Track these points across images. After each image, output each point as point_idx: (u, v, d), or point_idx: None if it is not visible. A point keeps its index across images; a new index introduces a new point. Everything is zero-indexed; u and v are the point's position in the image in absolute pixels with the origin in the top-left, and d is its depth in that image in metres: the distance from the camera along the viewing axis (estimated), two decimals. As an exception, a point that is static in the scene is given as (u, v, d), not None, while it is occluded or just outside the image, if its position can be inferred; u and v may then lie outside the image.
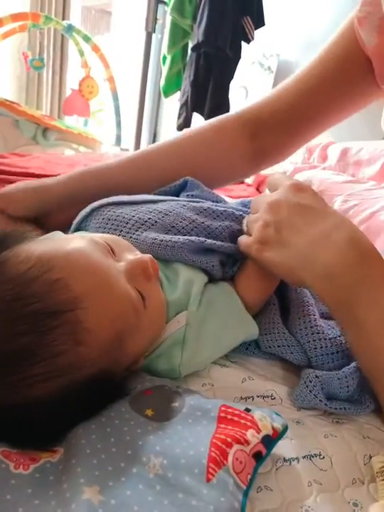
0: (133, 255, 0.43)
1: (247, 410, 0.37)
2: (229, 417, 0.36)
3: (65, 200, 0.59)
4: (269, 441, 0.35)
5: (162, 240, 0.48)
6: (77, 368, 0.34)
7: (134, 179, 0.60)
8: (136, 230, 0.50)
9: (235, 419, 0.36)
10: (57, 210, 0.59)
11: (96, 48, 2.27)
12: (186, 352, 0.43)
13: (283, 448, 0.38)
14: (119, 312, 0.37)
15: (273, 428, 0.36)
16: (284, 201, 0.45)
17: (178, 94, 2.63)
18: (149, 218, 0.51)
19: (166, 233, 0.50)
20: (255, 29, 2.53)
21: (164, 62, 2.65)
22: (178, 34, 2.59)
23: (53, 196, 0.59)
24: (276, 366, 0.51)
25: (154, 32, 2.65)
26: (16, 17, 2.03)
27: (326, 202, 0.47)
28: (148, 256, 0.43)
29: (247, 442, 0.33)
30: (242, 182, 1.39)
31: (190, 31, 2.59)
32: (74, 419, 0.34)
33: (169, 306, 0.45)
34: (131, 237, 0.49)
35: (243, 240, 0.49)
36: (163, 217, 0.51)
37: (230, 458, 0.31)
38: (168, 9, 2.51)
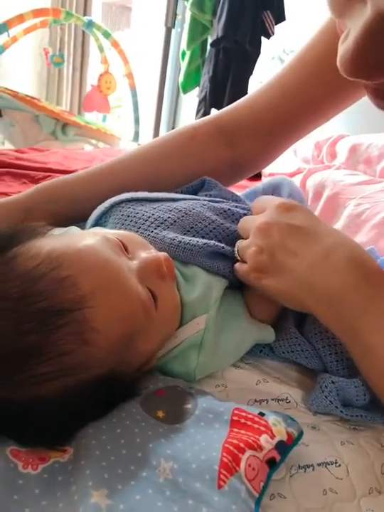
0: (147, 253, 0.42)
1: (261, 414, 0.36)
2: (242, 421, 0.35)
3: (32, 212, 0.58)
4: (284, 447, 0.34)
5: (180, 242, 0.47)
6: (84, 367, 0.33)
7: (93, 192, 0.58)
8: (155, 229, 0.49)
9: (249, 423, 0.35)
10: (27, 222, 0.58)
11: (115, 44, 2.28)
12: (203, 356, 0.43)
13: (298, 454, 0.37)
14: (128, 312, 0.36)
15: (288, 433, 0.35)
16: (273, 223, 0.43)
17: (196, 90, 2.62)
18: (169, 217, 0.50)
19: (185, 234, 0.49)
20: (275, 24, 2.49)
21: (183, 58, 2.64)
22: (197, 29, 2.58)
23: (20, 209, 0.57)
24: (291, 369, 0.50)
25: (174, 27, 2.64)
26: (37, 13, 2.05)
27: (318, 219, 0.45)
28: (163, 254, 0.43)
29: (261, 448, 0.32)
30: (259, 178, 1.37)
31: (210, 26, 2.57)
32: (83, 419, 0.33)
33: (186, 306, 0.44)
34: (149, 235, 0.48)
35: (240, 267, 0.46)
36: (182, 216, 0.50)
37: (243, 464, 0.31)
38: (188, 4, 2.50)
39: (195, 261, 0.47)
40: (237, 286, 0.50)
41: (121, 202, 0.54)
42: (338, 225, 0.85)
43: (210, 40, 2.55)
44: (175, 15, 2.61)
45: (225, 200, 0.56)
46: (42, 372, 0.31)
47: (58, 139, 2.14)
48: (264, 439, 0.33)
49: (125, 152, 0.65)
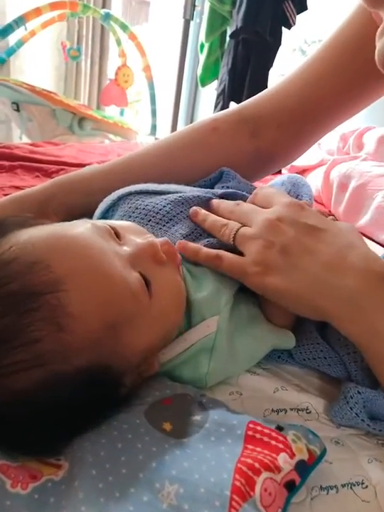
0: (143, 239, 0.38)
1: (279, 429, 0.32)
2: (258, 436, 0.31)
3: (46, 207, 0.55)
4: (305, 467, 0.30)
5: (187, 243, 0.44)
6: (61, 357, 0.30)
7: (109, 186, 0.54)
8: (166, 223, 0.46)
9: (265, 439, 0.31)
10: (41, 216, 0.56)
11: (133, 36, 2.25)
12: (215, 361, 0.39)
13: (320, 474, 0.33)
14: (110, 297, 0.32)
15: (309, 452, 0.31)
16: (288, 220, 0.40)
17: (215, 83, 2.57)
18: (181, 211, 0.47)
19: (195, 229, 0.46)
20: (297, 14, 2.42)
21: (202, 50, 2.59)
22: (216, 21, 2.53)
23: (35, 202, 0.55)
24: (313, 376, 0.46)
25: (192, 19, 2.59)
26: (54, 5, 2.03)
27: (328, 219, 0.43)
28: (161, 239, 0.39)
29: (279, 469, 0.29)
30: (280, 172, 1.32)
31: (229, 18, 2.52)
32: (73, 422, 0.30)
33: (193, 305, 0.40)
34: (160, 228, 0.45)
35: (234, 259, 0.41)
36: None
37: (258, 488, 0.27)
38: (207, -5, 2.45)
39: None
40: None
41: (129, 194, 0.50)
42: (366, 217, 0.81)
43: (229, 32, 2.50)
44: (193, 6, 2.56)
45: (239, 193, 0.52)
46: (13, 361, 0.28)
47: (75, 133, 2.12)
48: (282, 459, 0.29)
49: (144, 146, 0.62)
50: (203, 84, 2.64)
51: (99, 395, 0.31)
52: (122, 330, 0.33)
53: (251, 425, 0.32)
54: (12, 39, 2.22)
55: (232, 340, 0.40)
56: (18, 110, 2.02)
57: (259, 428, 0.32)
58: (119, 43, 2.34)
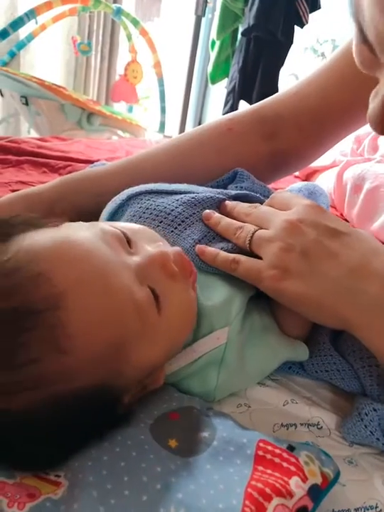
0: (154, 247, 0.36)
1: (290, 449, 0.30)
2: (268, 457, 0.29)
3: (56, 204, 0.54)
4: (318, 492, 0.28)
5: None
6: (60, 378, 0.28)
7: (119, 186, 0.51)
8: (178, 225, 0.44)
9: (276, 460, 0.29)
10: (49, 215, 0.55)
11: (144, 32, 2.22)
12: (224, 374, 0.37)
13: (332, 497, 0.31)
14: (114, 316, 0.30)
15: (322, 475, 0.29)
16: (309, 222, 0.38)
17: (225, 81, 2.55)
18: (193, 213, 0.45)
19: (205, 236, 0.44)
20: (310, 13, 2.39)
21: (213, 48, 2.57)
22: (228, 18, 2.50)
23: (43, 201, 0.54)
24: (325, 389, 0.44)
25: (204, 16, 2.57)
26: (65, -1, 2.01)
27: (348, 224, 0.41)
28: (174, 249, 0.36)
29: (291, 495, 0.27)
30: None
31: (241, 15, 2.49)
32: (74, 441, 0.29)
33: (203, 313, 0.38)
34: (172, 231, 0.43)
35: (250, 263, 0.39)
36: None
37: (269, 516, 0.25)
38: (220, -9, 2.42)
39: (214, 270, 0.41)
40: (265, 297, 0.44)
41: (140, 194, 0.48)
42: (380, 219, 0.78)
43: (241, 29, 2.47)
44: (205, 3, 2.54)
45: (254, 195, 0.50)
46: (10, 381, 0.27)
47: (83, 128, 2.10)
48: (294, 483, 0.28)
49: (157, 145, 0.60)
50: (213, 82, 2.61)
51: (96, 414, 0.30)
52: (127, 349, 0.31)
53: (261, 444, 0.30)
54: (23, 33, 2.21)
55: (243, 353, 0.39)
56: (26, 104, 2.01)
57: (269, 448, 0.30)
58: (129, 38, 2.32)
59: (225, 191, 0.50)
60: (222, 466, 0.29)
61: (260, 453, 0.30)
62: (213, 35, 2.53)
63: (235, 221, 0.43)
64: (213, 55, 2.59)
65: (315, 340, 0.43)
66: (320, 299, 0.36)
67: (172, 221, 0.44)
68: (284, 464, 0.29)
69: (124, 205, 0.48)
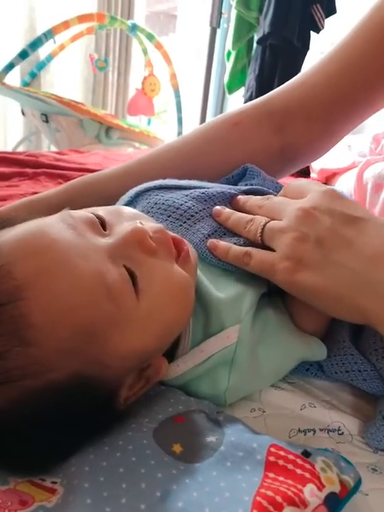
0: (130, 224, 0.33)
1: (306, 454, 0.28)
2: (281, 462, 0.27)
3: (60, 210, 0.53)
4: (336, 501, 0.26)
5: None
6: (29, 373, 0.26)
7: (126, 187, 0.50)
8: (187, 219, 0.42)
9: (289, 466, 0.27)
10: None
11: (159, 46, 2.25)
12: (235, 376, 0.35)
13: (353, 507, 0.29)
14: (79, 300, 0.28)
15: (341, 482, 0.27)
16: (324, 209, 0.35)
17: (242, 91, 2.55)
18: (203, 208, 0.43)
19: (216, 231, 0.42)
20: (326, 18, 2.38)
21: (228, 58, 2.58)
22: (243, 28, 2.52)
23: (51, 206, 0.52)
24: (346, 391, 0.41)
25: (219, 27, 2.59)
26: (82, 18, 2.06)
27: (367, 210, 0.38)
28: (154, 225, 0.34)
29: (305, 504, 0.24)
30: (308, 175, 1.28)
31: (256, 24, 2.50)
32: (67, 440, 0.28)
33: (212, 308, 0.36)
34: (180, 225, 0.42)
35: (263, 255, 0.37)
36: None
37: (279, 527, 0.23)
38: (234, 2, 2.44)
39: (225, 265, 0.39)
40: (279, 292, 0.42)
41: (148, 190, 0.47)
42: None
43: (256, 38, 2.48)
44: (220, 14, 2.56)
45: (265, 189, 0.48)
46: None
47: (102, 142, 2.13)
48: (309, 491, 0.25)
49: (162, 145, 0.60)
50: (230, 92, 2.62)
51: (89, 409, 0.28)
52: (103, 335, 0.29)
53: (273, 449, 0.28)
54: (42, 53, 2.27)
55: (256, 352, 0.36)
56: (47, 121, 2.05)
57: (282, 453, 0.28)
58: (145, 52, 2.35)
59: (236, 187, 0.49)
60: (230, 473, 0.26)
61: (272, 459, 0.27)
62: (229, 45, 2.55)
63: (246, 215, 0.41)
64: (229, 65, 2.60)
65: (334, 339, 0.40)
66: (337, 291, 0.34)
67: (181, 215, 0.42)
68: (298, 471, 0.26)
69: (132, 201, 0.48)
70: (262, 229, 0.38)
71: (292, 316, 0.40)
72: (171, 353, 0.36)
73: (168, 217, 0.42)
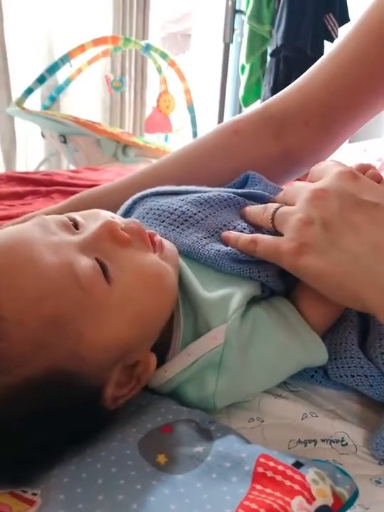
0: (102, 219, 0.34)
1: (297, 465, 0.26)
2: (269, 474, 0.26)
3: None
4: (328, 515, 0.24)
5: (205, 244, 0.40)
6: (3, 369, 0.26)
7: (128, 198, 0.50)
8: (181, 224, 0.42)
9: (278, 478, 0.25)
10: None
11: (172, 63, 2.30)
12: (224, 378, 0.34)
13: (353, 523, 0.27)
14: (46, 291, 0.28)
15: (335, 495, 0.25)
16: (334, 191, 0.34)
17: (258, 104, 2.56)
18: (198, 212, 0.43)
19: (212, 235, 0.42)
20: (339, 26, 2.37)
21: (243, 72, 2.61)
22: (256, 42, 2.54)
23: None
24: (352, 400, 0.39)
25: (232, 42, 2.62)
26: (97, 41, 2.12)
27: None
28: (127, 219, 0.35)
29: (291, 517, 0.23)
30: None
31: (269, 37, 2.52)
32: (51, 442, 0.27)
33: (200, 307, 0.35)
34: (173, 229, 0.42)
35: (269, 240, 0.36)
36: (214, 213, 0.43)
37: (261, 542, 0.21)
38: (246, 18, 2.47)
39: (221, 266, 0.38)
40: (278, 293, 0.40)
41: (145, 196, 0.47)
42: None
43: (269, 51, 2.49)
44: (232, 30, 2.59)
45: (266, 194, 0.47)
46: None
47: (119, 160, 2.17)
48: (297, 504, 0.24)
49: (163, 156, 0.60)
50: (246, 105, 2.64)
51: (72, 408, 0.28)
52: (75, 325, 0.28)
53: (262, 460, 0.26)
54: (61, 77, 2.35)
55: (246, 353, 0.35)
56: (65, 142, 2.11)
57: (271, 464, 0.26)
58: (160, 71, 2.40)
59: (232, 190, 0.48)
60: (215, 484, 0.25)
61: (260, 470, 0.26)
62: (242, 59, 2.57)
63: (260, 205, 0.41)
64: (244, 78, 2.62)
65: (341, 341, 0.39)
66: (339, 277, 0.33)
67: (174, 220, 0.42)
68: (287, 482, 0.25)
69: (131, 209, 0.48)
70: (273, 214, 0.38)
71: (300, 310, 0.38)
72: (163, 358, 0.35)
73: (162, 222, 0.42)
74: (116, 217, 0.36)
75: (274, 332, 0.36)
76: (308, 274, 0.34)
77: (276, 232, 0.37)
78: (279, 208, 0.38)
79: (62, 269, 0.29)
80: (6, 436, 0.27)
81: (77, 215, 0.35)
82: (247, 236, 0.38)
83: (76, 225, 0.33)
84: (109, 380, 0.31)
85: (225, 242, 0.39)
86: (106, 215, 0.35)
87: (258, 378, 0.36)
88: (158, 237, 0.36)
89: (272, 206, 0.38)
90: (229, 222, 0.42)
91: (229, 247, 0.39)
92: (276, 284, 0.39)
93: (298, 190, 0.38)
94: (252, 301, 0.37)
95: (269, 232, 0.39)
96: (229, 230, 0.41)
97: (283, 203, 0.39)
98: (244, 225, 0.42)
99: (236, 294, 0.36)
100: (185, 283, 0.37)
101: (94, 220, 0.34)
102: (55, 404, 0.28)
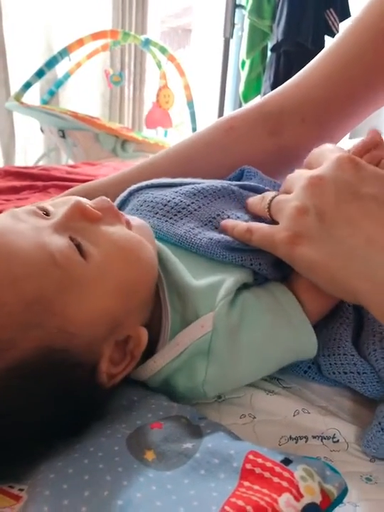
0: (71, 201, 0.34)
1: (286, 462, 0.26)
2: (257, 470, 0.25)
3: None
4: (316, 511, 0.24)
5: (198, 233, 0.39)
6: None
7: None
8: (174, 215, 0.42)
9: (266, 475, 0.25)
10: None
11: (172, 58, 2.28)
12: (213, 366, 0.34)
13: (342, 520, 0.27)
14: (22, 272, 0.28)
15: (323, 492, 0.25)
16: (330, 179, 0.33)
17: (258, 99, 2.54)
18: (192, 202, 0.43)
19: (205, 224, 0.41)
20: (340, 21, 2.36)
21: (243, 67, 2.59)
22: (256, 37, 2.52)
23: None
24: (344, 397, 0.39)
25: (232, 38, 2.61)
26: (95, 36, 2.11)
27: None
28: (97, 199, 0.35)
29: (278, 514, 0.23)
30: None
31: (270, 32, 2.50)
32: (50, 423, 0.28)
33: (187, 296, 0.35)
34: (166, 221, 0.41)
35: (264, 229, 0.36)
36: (208, 203, 0.43)
37: (246, 540, 0.21)
38: (246, 12, 2.45)
39: (214, 255, 0.38)
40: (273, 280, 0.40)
41: (140, 189, 0.47)
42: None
43: (270, 46, 2.48)
44: (233, 25, 2.57)
45: (261, 187, 0.47)
46: None
47: (118, 155, 2.16)
48: (285, 501, 0.23)
49: (162, 150, 0.60)
50: (246, 100, 2.63)
51: (68, 387, 0.28)
52: (58, 302, 0.29)
53: (251, 456, 0.26)
54: (60, 72, 2.34)
55: (235, 339, 0.34)
56: (64, 137, 2.10)
57: (260, 460, 0.26)
58: (159, 65, 2.38)
59: (228, 181, 0.48)
60: (202, 481, 0.25)
61: (248, 466, 0.26)
62: (243, 55, 2.56)
63: (260, 195, 0.41)
64: (244, 74, 2.61)
65: (334, 335, 0.38)
66: (333, 270, 0.32)
67: (168, 212, 0.42)
68: (275, 479, 0.25)
69: (126, 201, 0.48)
70: (269, 203, 0.37)
71: (296, 295, 0.37)
72: (153, 349, 0.35)
73: (155, 214, 0.42)
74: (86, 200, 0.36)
75: (262, 315, 0.36)
76: (301, 265, 0.34)
77: (274, 221, 0.37)
78: (275, 196, 0.37)
79: (36, 251, 0.29)
80: (8, 423, 0.27)
81: (46, 204, 0.35)
82: (243, 225, 0.38)
83: (47, 213, 0.34)
84: (103, 356, 0.31)
85: (224, 230, 0.39)
86: (75, 198, 0.35)
87: (248, 365, 0.35)
88: (126, 217, 0.36)
89: (269, 195, 0.38)
90: (222, 212, 0.42)
91: (221, 235, 0.38)
92: (270, 272, 0.39)
93: (297, 177, 0.37)
94: (243, 288, 0.37)
95: (269, 222, 0.38)
96: (223, 219, 0.41)
97: (284, 191, 0.38)
98: (239, 214, 0.42)
99: (226, 281, 0.35)
100: (172, 272, 0.37)
101: (64, 205, 0.34)
102: (52, 383, 0.28)
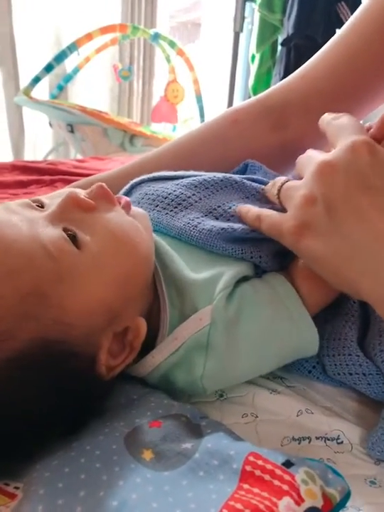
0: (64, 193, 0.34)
1: (287, 464, 0.25)
2: (257, 473, 0.25)
3: None
4: (317, 517, 0.23)
5: (197, 224, 0.39)
6: None
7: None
8: (175, 207, 0.41)
9: (266, 477, 0.24)
10: None
11: (181, 52, 2.27)
12: (212, 360, 0.33)
13: (344, 524, 0.26)
14: (17, 263, 0.28)
15: (325, 496, 0.24)
16: (342, 167, 0.31)
17: (265, 92, 2.52)
18: (193, 194, 0.42)
19: (206, 215, 0.41)
20: (351, 14, 2.33)
21: (253, 61, 2.57)
22: (267, 30, 2.50)
23: None
24: (349, 397, 0.38)
25: (242, 31, 2.58)
26: (104, 30, 2.10)
27: None
28: (93, 186, 0.35)
29: (277, 519, 0.22)
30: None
31: (280, 26, 2.48)
32: (53, 414, 0.28)
33: (185, 289, 0.34)
34: (167, 213, 0.41)
35: (273, 217, 0.35)
36: (209, 195, 0.42)
37: (244, 545, 0.21)
38: (256, 6, 2.43)
39: (213, 246, 0.37)
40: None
41: (142, 182, 0.47)
42: None
43: (280, 40, 2.45)
44: (243, 18, 2.55)
45: (265, 180, 0.46)
46: None
47: (127, 150, 2.15)
48: (285, 505, 0.23)
49: (166, 143, 0.59)
50: (256, 95, 2.61)
51: (67, 379, 0.28)
52: (54, 293, 0.28)
53: (251, 458, 0.26)
54: (69, 66, 2.33)
55: (234, 332, 0.34)
56: (72, 131, 2.10)
57: (260, 462, 0.25)
58: (168, 60, 2.37)
59: (230, 174, 0.47)
60: (201, 482, 0.24)
61: (248, 468, 0.25)
62: (253, 49, 2.53)
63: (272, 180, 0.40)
64: (254, 68, 2.59)
65: (339, 335, 0.37)
66: (338, 263, 0.31)
67: (168, 204, 0.41)
68: (275, 482, 0.24)
69: (128, 194, 0.47)
70: (279, 189, 0.36)
71: (295, 286, 0.37)
72: (152, 345, 0.34)
73: (156, 206, 0.42)
74: (80, 190, 0.35)
75: (261, 307, 0.35)
76: (306, 256, 0.34)
77: (284, 209, 0.36)
78: (285, 182, 0.36)
79: (29, 243, 0.29)
80: (8, 414, 0.27)
81: (41, 197, 0.35)
82: (254, 211, 0.37)
83: (42, 206, 0.34)
84: (102, 348, 0.31)
85: (238, 215, 0.39)
86: (70, 189, 0.35)
87: (247, 359, 0.35)
88: (125, 199, 0.36)
89: (279, 180, 0.37)
90: (224, 203, 0.41)
91: (221, 226, 0.38)
92: (270, 264, 0.38)
93: (308, 160, 0.35)
94: (242, 281, 0.36)
95: (279, 208, 0.37)
96: (225, 210, 0.40)
97: (296, 175, 0.37)
98: (241, 204, 0.41)
99: (224, 274, 0.35)
100: (170, 266, 0.36)
101: (59, 197, 0.34)
102: (52, 375, 0.28)
